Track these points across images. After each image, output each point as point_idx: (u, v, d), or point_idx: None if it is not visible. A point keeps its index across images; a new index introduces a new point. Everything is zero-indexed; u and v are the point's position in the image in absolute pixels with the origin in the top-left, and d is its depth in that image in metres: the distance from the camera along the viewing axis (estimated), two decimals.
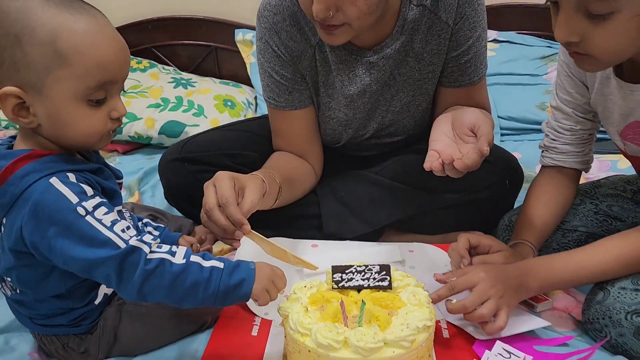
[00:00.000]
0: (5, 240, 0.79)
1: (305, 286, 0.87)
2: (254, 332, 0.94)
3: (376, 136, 1.28)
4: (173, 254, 0.78)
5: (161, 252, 0.77)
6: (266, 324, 0.96)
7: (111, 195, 0.83)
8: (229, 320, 0.97)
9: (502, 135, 1.84)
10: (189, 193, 1.21)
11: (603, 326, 0.87)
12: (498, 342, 0.83)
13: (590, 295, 0.92)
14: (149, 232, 0.93)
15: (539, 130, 1.62)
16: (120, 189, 0.89)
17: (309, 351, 0.76)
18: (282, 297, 0.86)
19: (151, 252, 0.77)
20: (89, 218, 0.75)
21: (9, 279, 0.84)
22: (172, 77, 2.08)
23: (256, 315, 0.98)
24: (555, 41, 0.92)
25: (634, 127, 0.93)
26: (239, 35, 2.17)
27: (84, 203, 0.75)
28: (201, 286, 0.78)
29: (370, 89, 1.19)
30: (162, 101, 1.94)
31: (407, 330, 0.76)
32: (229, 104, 1.99)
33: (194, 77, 2.13)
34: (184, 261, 0.78)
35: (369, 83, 1.18)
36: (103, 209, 0.77)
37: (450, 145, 0.96)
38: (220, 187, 0.94)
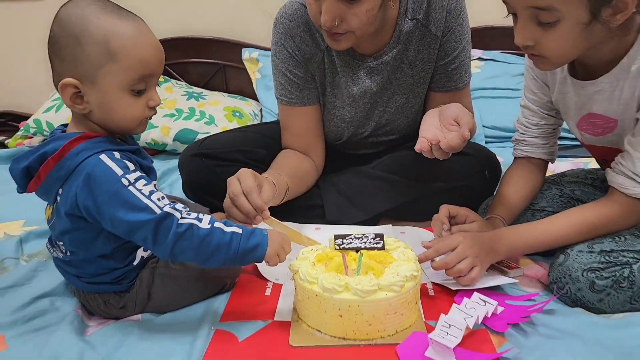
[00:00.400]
0: (62, 207, 0.91)
1: (311, 249, 1.01)
2: (267, 293, 1.06)
3: (374, 134, 1.42)
4: (200, 220, 0.90)
5: (190, 218, 0.89)
6: (277, 287, 1.08)
7: (147, 172, 0.95)
8: (245, 285, 1.09)
9: (486, 142, 1.96)
10: (206, 185, 1.33)
11: (564, 284, 1.00)
12: (475, 292, 0.96)
13: (554, 259, 1.05)
14: None
15: None
16: None
17: (316, 295, 0.89)
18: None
19: (182, 218, 0.89)
20: (131, 188, 0.87)
21: (61, 243, 0.96)
22: (184, 91, 2.20)
23: (268, 280, 1.10)
24: None
25: (586, 119, 1.08)
26: (246, 53, 2.29)
27: (127, 175, 0.87)
28: (223, 248, 0.90)
29: (371, 91, 1.33)
30: (176, 111, 2.05)
31: (397, 277, 0.89)
32: (237, 114, 2.11)
33: (204, 91, 2.24)
34: (209, 226, 0.90)
35: (369, 85, 1.32)
36: (143, 181, 0.89)
37: (437, 133, 1.09)
38: (244, 179, 1.08)
